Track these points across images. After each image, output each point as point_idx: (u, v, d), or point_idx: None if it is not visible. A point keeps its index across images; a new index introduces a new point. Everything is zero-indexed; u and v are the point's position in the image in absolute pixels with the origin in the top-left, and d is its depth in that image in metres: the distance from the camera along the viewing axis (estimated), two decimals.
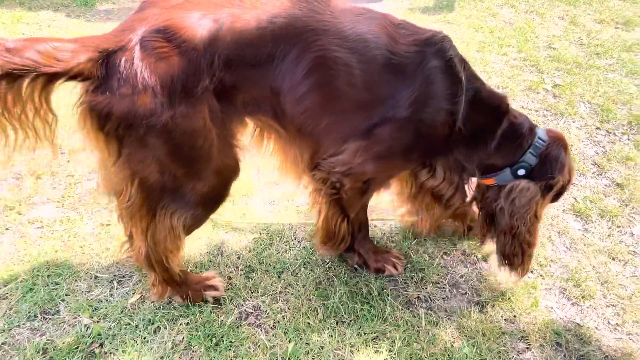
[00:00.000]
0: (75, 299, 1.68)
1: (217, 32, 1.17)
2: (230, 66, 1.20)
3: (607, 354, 1.61)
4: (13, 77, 1.04)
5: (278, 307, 1.70)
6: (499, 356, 1.58)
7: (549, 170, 1.51)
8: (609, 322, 1.73)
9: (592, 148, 2.73)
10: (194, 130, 1.21)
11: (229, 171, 1.42)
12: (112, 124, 1.12)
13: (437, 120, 1.36)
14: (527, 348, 1.62)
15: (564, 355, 1.60)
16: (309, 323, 1.65)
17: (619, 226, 2.17)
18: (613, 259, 1.99)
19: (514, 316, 1.71)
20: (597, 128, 2.92)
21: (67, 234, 1.94)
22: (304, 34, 1.20)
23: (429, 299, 1.78)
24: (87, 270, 1.78)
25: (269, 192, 2.25)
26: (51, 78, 1.10)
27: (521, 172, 1.53)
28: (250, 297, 1.74)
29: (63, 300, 1.68)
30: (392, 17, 1.37)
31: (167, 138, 1.17)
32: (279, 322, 1.65)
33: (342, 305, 1.71)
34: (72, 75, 1.10)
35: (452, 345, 1.60)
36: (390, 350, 1.57)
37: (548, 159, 1.52)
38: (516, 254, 1.59)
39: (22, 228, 1.96)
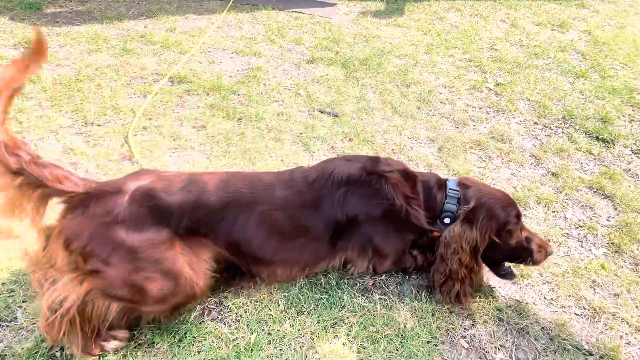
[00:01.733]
0: (32, 305, 1.66)
1: (185, 201, 1.54)
2: (193, 222, 1.55)
3: (543, 326, 1.78)
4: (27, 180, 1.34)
5: (240, 302, 1.75)
6: (448, 333, 1.71)
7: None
8: (545, 298, 1.90)
9: (530, 141, 2.96)
10: (161, 258, 1.43)
11: (196, 295, 1.55)
12: (80, 242, 1.36)
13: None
14: (473, 325, 1.76)
15: (506, 329, 1.75)
16: (270, 314, 1.71)
17: (554, 211, 2.38)
18: (548, 241, 2.18)
19: None
20: (534, 123, 3.16)
21: (21, 240, 1.90)
22: (248, 204, 1.64)
23: (383, 286, 1.89)
24: None
25: None
26: (50, 193, 1.38)
27: (446, 220, 1.77)
28: (213, 294, 1.78)
29: (20, 307, 1.66)
30: (306, 180, 1.75)
31: (131, 259, 1.39)
32: (241, 315, 1.71)
33: (302, 295, 1.79)
34: (65, 197, 1.40)
35: (405, 326, 1.71)
36: (348, 335, 1.66)
37: (462, 201, 1.76)
38: (449, 288, 1.76)
39: None
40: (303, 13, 4.47)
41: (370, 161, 1.78)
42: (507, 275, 1.87)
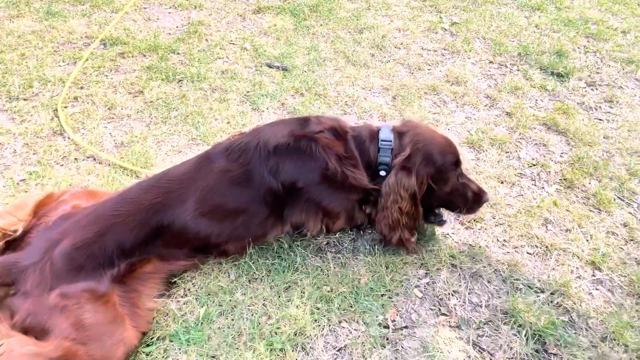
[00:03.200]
0: None
1: (106, 245, 1.47)
2: (127, 257, 1.50)
3: (496, 268, 1.79)
4: None
5: (188, 276, 1.69)
6: (402, 285, 1.70)
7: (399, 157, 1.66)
8: (497, 240, 1.91)
9: (485, 82, 2.89)
10: (100, 313, 1.37)
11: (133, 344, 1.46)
12: (21, 316, 1.33)
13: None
14: (427, 273, 1.75)
15: (459, 275, 1.76)
16: (220, 286, 1.66)
17: (507, 152, 2.35)
18: (502, 183, 2.17)
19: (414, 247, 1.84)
20: (490, 62, 3.08)
21: None
22: (175, 205, 1.58)
23: (337, 244, 1.85)
24: None
25: (170, 161, 2.16)
26: None
27: (382, 173, 1.69)
28: None
29: None
30: (229, 157, 1.65)
31: (70, 320, 1.34)
32: (189, 289, 1.65)
33: (253, 263, 1.73)
34: None
35: (359, 282, 1.69)
36: (301, 297, 1.63)
37: (397, 151, 1.68)
38: (392, 236, 1.72)
39: None
40: None
41: (298, 124, 1.67)
42: (437, 222, 1.86)
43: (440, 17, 3.52)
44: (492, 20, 3.51)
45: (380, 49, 3.13)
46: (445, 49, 3.19)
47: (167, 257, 1.59)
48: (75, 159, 2.14)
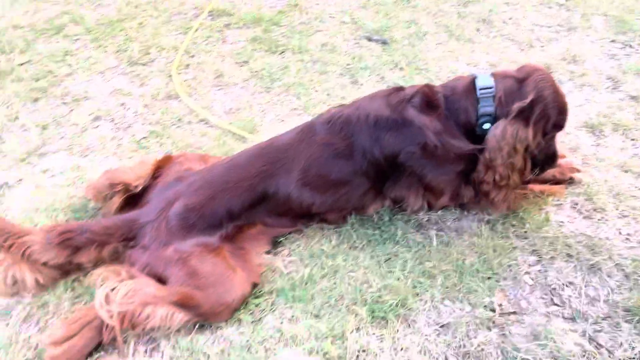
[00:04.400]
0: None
1: (218, 205, 1.56)
2: (235, 220, 1.59)
3: (617, 262, 1.63)
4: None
5: (292, 237, 1.74)
6: (510, 269, 1.62)
7: (512, 104, 1.53)
8: (620, 233, 1.74)
9: (607, 62, 2.61)
10: (213, 263, 1.48)
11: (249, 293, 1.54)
12: (140, 267, 1.47)
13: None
14: (538, 261, 1.65)
15: (575, 266, 1.63)
16: (323, 249, 1.69)
17: (633, 139, 2.12)
18: (626, 172, 1.96)
19: (525, 232, 1.73)
20: (612, 41, 2.78)
21: (80, 180, 1.97)
22: (279, 177, 1.63)
23: (439, 221, 1.80)
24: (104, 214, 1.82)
25: (274, 129, 2.22)
26: (104, 243, 1.51)
27: (486, 125, 1.57)
28: None
29: None
30: (331, 130, 1.66)
31: (185, 269, 1.45)
32: (294, 250, 1.70)
33: (354, 232, 1.74)
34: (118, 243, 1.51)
35: (463, 262, 1.63)
36: (403, 270, 1.61)
37: (505, 98, 1.55)
38: (499, 197, 1.65)
39: (35, 178, 1.99)
40: None
41: (393, 95, 1.64)
42: None
43: None
44: None
45: (487, 24, 2.95)
46: (560, 26, 2.92)
47: (270, 223, 1.66)
48: (189, 121, 2.28)
